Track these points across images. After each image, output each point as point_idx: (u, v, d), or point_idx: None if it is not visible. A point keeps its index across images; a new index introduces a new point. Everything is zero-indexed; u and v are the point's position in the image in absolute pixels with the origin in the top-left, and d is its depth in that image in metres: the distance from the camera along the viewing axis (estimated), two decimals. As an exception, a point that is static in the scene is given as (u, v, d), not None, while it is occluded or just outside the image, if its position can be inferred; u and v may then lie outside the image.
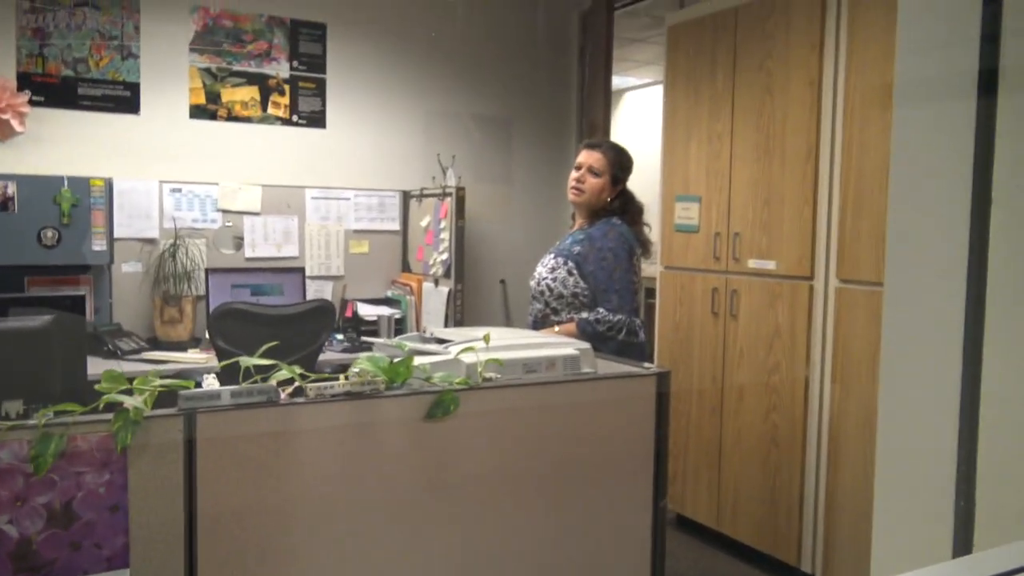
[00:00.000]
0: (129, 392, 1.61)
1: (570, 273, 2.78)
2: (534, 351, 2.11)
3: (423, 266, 4.18)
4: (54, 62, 3.75)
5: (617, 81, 6.53)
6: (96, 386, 1.60)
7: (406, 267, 4.39)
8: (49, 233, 3.43)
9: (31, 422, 1.52)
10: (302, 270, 4.07)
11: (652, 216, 3.10)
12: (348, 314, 3.98)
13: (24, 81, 3.68)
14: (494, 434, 1.97)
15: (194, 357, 3.46)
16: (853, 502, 3.00)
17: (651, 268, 3.98)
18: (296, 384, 1.78)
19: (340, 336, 3.82)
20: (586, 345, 2.25)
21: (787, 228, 3.23)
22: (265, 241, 4.10)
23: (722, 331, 3.54)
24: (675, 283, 3.81)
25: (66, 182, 3.49)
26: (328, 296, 4.16)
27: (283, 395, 1.80)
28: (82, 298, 1.76)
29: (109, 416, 1.57)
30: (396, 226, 4.41)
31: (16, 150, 3.65)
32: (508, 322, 4.63)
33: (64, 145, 3.73)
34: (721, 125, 3.53)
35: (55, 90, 3.75)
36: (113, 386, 1.60)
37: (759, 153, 3.35)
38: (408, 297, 4.16)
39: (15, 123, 3.62)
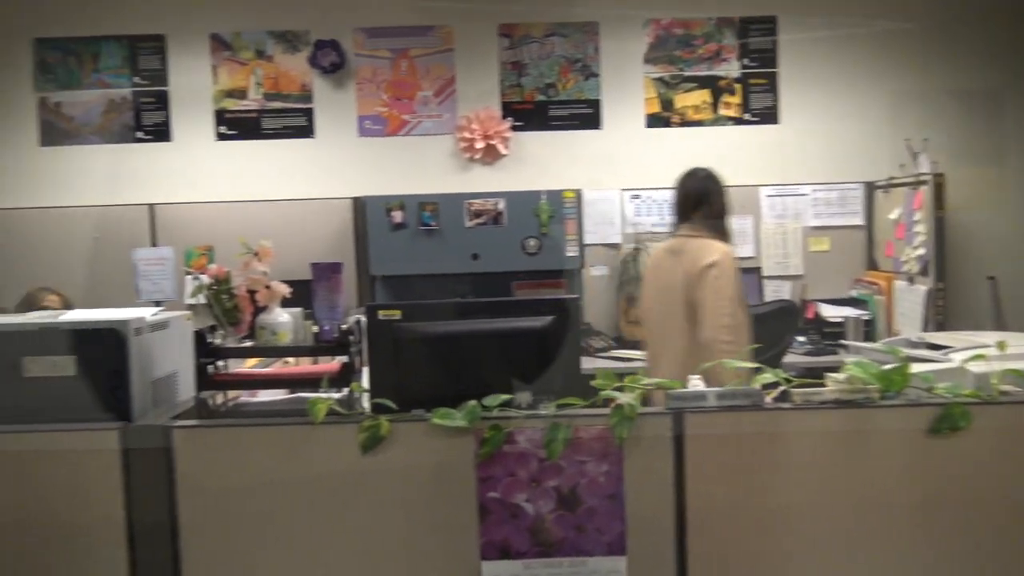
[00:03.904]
0: (620, 389, 1.70)
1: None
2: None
3: (894, 263, 3.86)
4: (529, 89, 4.22)
5: None
6: (592, 382, 1.72)
7: (872, 264, 4.11)
8: (531, 242, 3.85)
9: (542, 412, 1.69)
10: (758, 270, 4.05)
11: None
12: (809, 315, 3.82)
13: (506, 109, 4.22)
14: (1007, 455, 1.69)
15: (657, 356, 3.59)
16: None
17: None
18: (781, 388, 1.73)
19: (802, 338, 3.68)
20: None
21: None
22: (722, 242, 4.11)
23: None
24: None
25: (543, 196, 3.89)
26: (786, 296, 4.05)
27: (767, 399, 1.75)
28: (574, 300, 1.93)
29: (606, 411, 1.68)
30: (859, 220, 4.15)
31: (502, 171, 4.19)
32: (999, 325, 4.01)
33: (539, 163, 4.19)
34: None
35: (530, 114, 4.23)
36: (607, 383, 1.71)
37: None
38: (876, 297, 3.87)
39: (500, 147, 4.16)
